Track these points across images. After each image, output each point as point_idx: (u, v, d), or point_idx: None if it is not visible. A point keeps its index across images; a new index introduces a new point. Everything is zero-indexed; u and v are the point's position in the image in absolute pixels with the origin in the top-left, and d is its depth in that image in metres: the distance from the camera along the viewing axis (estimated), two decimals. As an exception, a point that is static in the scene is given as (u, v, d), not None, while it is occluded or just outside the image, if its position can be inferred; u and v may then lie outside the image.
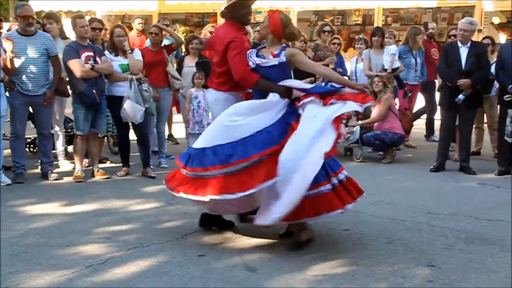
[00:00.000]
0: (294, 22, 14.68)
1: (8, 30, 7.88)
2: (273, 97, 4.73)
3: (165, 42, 8.49)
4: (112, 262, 4.40)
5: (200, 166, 4.60)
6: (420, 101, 9.90)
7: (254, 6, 15.07)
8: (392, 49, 8.67)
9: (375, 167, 8.02)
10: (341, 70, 9.03)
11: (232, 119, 4.66)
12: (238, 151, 4.50)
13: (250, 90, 5.02)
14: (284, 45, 4.91)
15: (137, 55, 7.26)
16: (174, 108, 9.07)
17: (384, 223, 5.41)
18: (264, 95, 4.79)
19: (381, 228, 5.26)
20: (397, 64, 8.75)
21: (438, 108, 8.48)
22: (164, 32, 8.13)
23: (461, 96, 7.32)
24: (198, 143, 4.77)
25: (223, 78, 5.02)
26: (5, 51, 6.40)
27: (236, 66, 4.83)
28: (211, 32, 8.55)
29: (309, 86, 4.95)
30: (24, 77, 6.70)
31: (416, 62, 9.21)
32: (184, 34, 13.24)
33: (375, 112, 8.31)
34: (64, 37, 7.80)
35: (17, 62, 6.62)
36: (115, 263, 4.38)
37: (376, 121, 8.21)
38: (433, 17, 14.32)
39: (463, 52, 7.48)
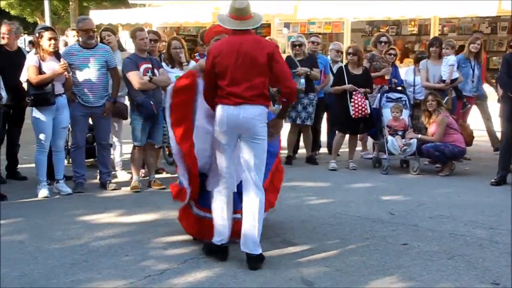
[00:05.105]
0: (348, 32, 14.73)
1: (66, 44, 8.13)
2: None
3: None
4: (169, 273, 4.44)
5: None
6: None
7: (308, 17, 15.00)
8: (450, 59, 8.46)
9: (432, 179, 7.85)
10: (396, 81, 8.93)
11: None
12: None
13: None
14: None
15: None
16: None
17: (443, 238, 5.28)
18: None
19: (441, 243, 5.13)
20: (456, 75, 8.55)
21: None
22: None
23: (523, 108, 7.11)
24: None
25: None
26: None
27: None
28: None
29: None
30: (85, 89, 6.88)
31: (473, 73, 9.00)
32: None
33: (431, 131, 8.15)
34: (122, 49, 7.99)
35: (80, 76, 6.82)
36: (172, 274, 4.42)
37: (435, 141, 8.02)
38: (492, 26, 13.96)
39: (526, 62, 7.26)
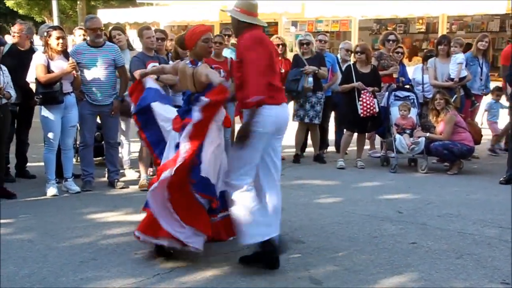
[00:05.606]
0: (355, 30, 14.68)
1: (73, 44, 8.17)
2: None
3: (225, 53, 8.44)
4: (178, 271, 4.44)
5: None
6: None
7: (315, 15, 14.91)
8: (459, 57, 8.42)
9: (440, 178, 7.82)
10: (403, 79, 8.90)
11: None
12: None
13: None
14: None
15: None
16: (237, 118, 9.11)
17: (452, 237, 5.26)
18: None
19: (449, 242, 5.11)
20: (464, 73, 8.52)
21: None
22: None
23: (532, 106, 7.08)
24: None
25: None
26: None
27: None
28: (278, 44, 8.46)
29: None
30: (93, 88, 6.90)
31: (481, 71, 8.96)
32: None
33: (439, 129, 8.11)
34: (131, 48, 8.01)
35: (88, 74, 6.84)
36: (181, 272, 4.42)
37: (443, 139, 7.98)
38: (501, 24, 13.88)
39: (535, 60, 7.24)
